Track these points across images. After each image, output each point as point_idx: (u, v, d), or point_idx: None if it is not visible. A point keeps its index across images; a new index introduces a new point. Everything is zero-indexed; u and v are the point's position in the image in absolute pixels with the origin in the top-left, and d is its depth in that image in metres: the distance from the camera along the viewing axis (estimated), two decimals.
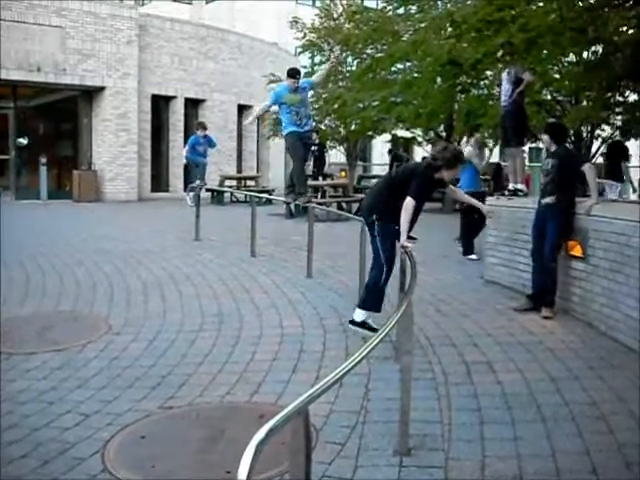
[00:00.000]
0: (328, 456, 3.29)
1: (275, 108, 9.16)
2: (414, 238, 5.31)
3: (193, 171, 14.65)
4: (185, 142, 20.76)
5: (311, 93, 9.00)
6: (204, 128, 14.58)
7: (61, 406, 3.95)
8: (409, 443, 3.36)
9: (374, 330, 4.94)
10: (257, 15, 28.18)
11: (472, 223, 9.22)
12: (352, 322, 5.31)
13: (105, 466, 3.23)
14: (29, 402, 4.01)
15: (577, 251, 6.01)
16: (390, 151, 20.91)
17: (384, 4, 17.78)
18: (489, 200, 8.34)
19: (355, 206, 14.62)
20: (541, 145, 20.80)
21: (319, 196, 14.63)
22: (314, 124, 8.74)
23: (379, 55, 17.58)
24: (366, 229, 5.65)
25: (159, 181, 20.62)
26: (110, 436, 3.55)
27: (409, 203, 5.02)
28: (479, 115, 15.41)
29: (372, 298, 5.29)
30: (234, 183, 19.69)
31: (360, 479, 3.11)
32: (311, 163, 15.10)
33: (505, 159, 12.79)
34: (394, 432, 3.46)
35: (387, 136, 21.85)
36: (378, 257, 5.26)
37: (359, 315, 5.29)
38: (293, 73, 8.26)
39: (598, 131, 14.78)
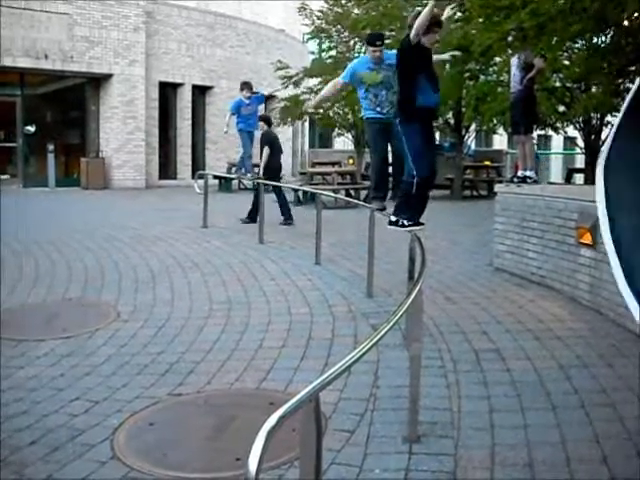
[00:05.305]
0: (337, 443, 3.29)
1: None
2: (422, 223, 5.30)
3: (245, 141, 11.83)
4: (193, 130, 20.87)
5: None
6: (250, 88, 11.71)
7: (70, 393, 3.96)
8: (418, 431, 3.35)
9: (405, 226, 5.36)
10: (264, 1, 28.02)
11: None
12: (389, 222, 5.50)
13: (114, 453, 3.24)
14: (38, 389, 4.02)
15: (586, 238, 5.97)
16: None
17: None
18: (497, 187, 8.31)
19: (363, 193, 14.58)
20: (550, 132, 20.66)
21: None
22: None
23: (388, 41, 17.45)
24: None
25: (167, 168, 20.64)
26: (119, 423, 3.56)
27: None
28: (488, 101, 15.29)
29: (402, 205, 5.45)
30: None
31: (369, 466, 3.10)
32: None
33: (514, 146, 12.70)
34: (403, 420, 3.45)
35: None
36: (407, 161, 5.31)
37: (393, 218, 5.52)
38: (373, 39, 6.03)
39: (608, 117, 14.63)
